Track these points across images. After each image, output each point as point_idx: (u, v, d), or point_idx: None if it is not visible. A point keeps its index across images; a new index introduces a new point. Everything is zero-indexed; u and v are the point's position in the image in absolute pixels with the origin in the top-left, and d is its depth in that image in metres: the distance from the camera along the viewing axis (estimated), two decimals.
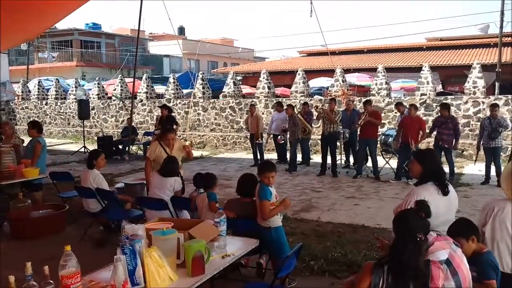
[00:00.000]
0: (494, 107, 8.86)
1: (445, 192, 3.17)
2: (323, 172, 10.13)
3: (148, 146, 11.52)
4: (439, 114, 9.33)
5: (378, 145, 11.18)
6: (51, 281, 2.33)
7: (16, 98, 21.40)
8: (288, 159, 11.10)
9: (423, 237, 2.39)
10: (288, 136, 11.14)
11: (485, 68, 14.11)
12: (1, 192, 6.42)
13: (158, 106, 12.61)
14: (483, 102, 11.93)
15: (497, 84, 16.29)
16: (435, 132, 9.19)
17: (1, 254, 5.10)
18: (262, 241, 3.87)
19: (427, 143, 10.57)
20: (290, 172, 10.40)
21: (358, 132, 9.97)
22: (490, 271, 2.83)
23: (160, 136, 6.14)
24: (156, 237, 2.85)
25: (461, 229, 2.95)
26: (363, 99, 12.18)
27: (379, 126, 10.09)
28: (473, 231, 2.97)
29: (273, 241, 4.12)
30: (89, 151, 8.63)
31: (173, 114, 11.63)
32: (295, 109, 11.07)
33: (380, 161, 10.44)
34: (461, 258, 2.51)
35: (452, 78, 20.17)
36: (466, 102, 12.22)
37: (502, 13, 17.27)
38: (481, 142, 8.94)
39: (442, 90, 18.03)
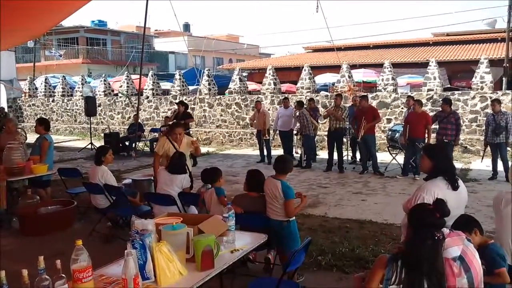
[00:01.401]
0: (494, 102, 8.87)
1: (455, 187, 3.16)
2: (329, 168, 10.12)
3: (155, 143, 11.65)
4: (441, 109, 9.31)
5: (385, 141, 11.16)
6: (63, 275, 2.35)
7: (23, 95, 21.53)
8: (303, 156, 11.05)
9: (441, 236, 2.38)
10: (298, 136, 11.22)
11: (492, 63, 14.00)
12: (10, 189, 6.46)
13: (175, 103, 12.92)
14: (490, 98, 11.84)
15: (504, 79, 16.12)
16: (436, 127, 9.18)
17: (11, 250, 5.16)
18: (276, 235, 3.94)
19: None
20: (307, 167, 10.49)
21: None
22: (499, 260, 2.84)
23: (169, 131, 6.15)
24: (166, 232, 2.87)
25: (463, 223, 2.97)
26: (360, 94, 12.12)
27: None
28: (474, 224, 3.00)
29: (290, 234, 4.20)
30: (96, 147, 8.66)
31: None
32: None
33: (387, 156, 10.41)
34: (474, 254, 2.50)
35: (459, 73, 20.03)
36: (473, 98, 12.15)
37: (510, 8, 17.07)
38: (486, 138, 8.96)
39: (449, 85, 17.92)
